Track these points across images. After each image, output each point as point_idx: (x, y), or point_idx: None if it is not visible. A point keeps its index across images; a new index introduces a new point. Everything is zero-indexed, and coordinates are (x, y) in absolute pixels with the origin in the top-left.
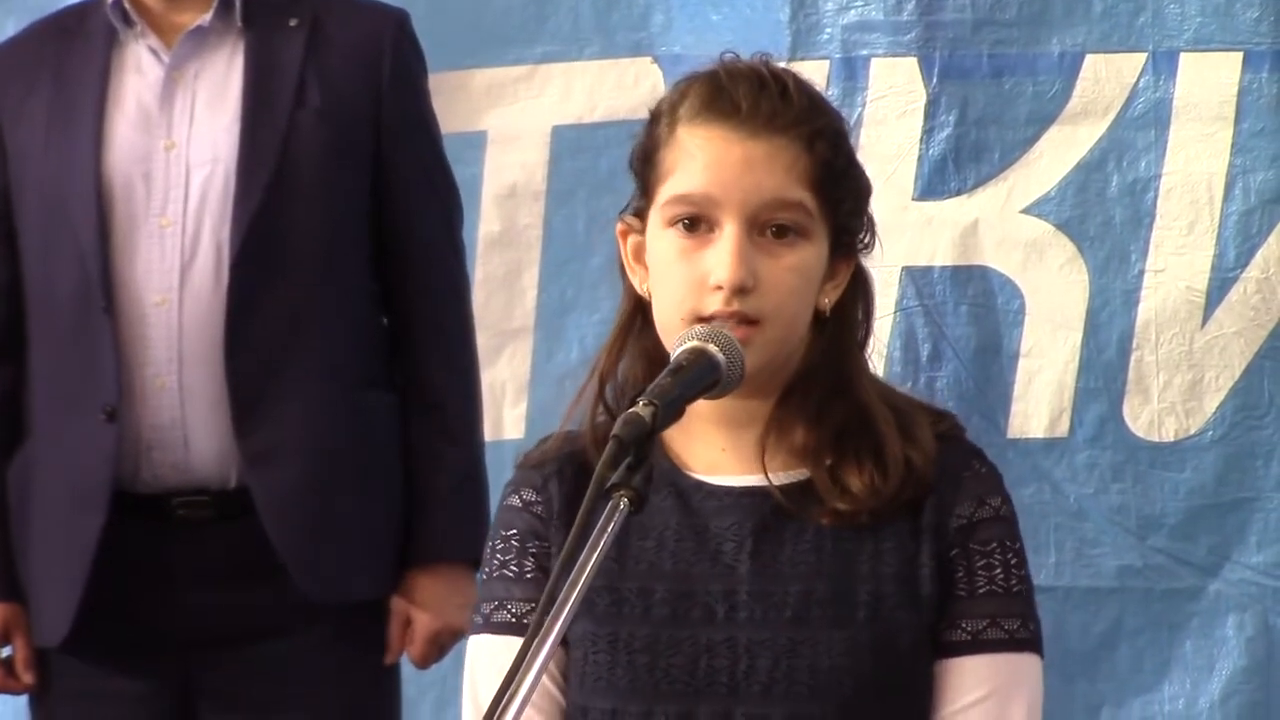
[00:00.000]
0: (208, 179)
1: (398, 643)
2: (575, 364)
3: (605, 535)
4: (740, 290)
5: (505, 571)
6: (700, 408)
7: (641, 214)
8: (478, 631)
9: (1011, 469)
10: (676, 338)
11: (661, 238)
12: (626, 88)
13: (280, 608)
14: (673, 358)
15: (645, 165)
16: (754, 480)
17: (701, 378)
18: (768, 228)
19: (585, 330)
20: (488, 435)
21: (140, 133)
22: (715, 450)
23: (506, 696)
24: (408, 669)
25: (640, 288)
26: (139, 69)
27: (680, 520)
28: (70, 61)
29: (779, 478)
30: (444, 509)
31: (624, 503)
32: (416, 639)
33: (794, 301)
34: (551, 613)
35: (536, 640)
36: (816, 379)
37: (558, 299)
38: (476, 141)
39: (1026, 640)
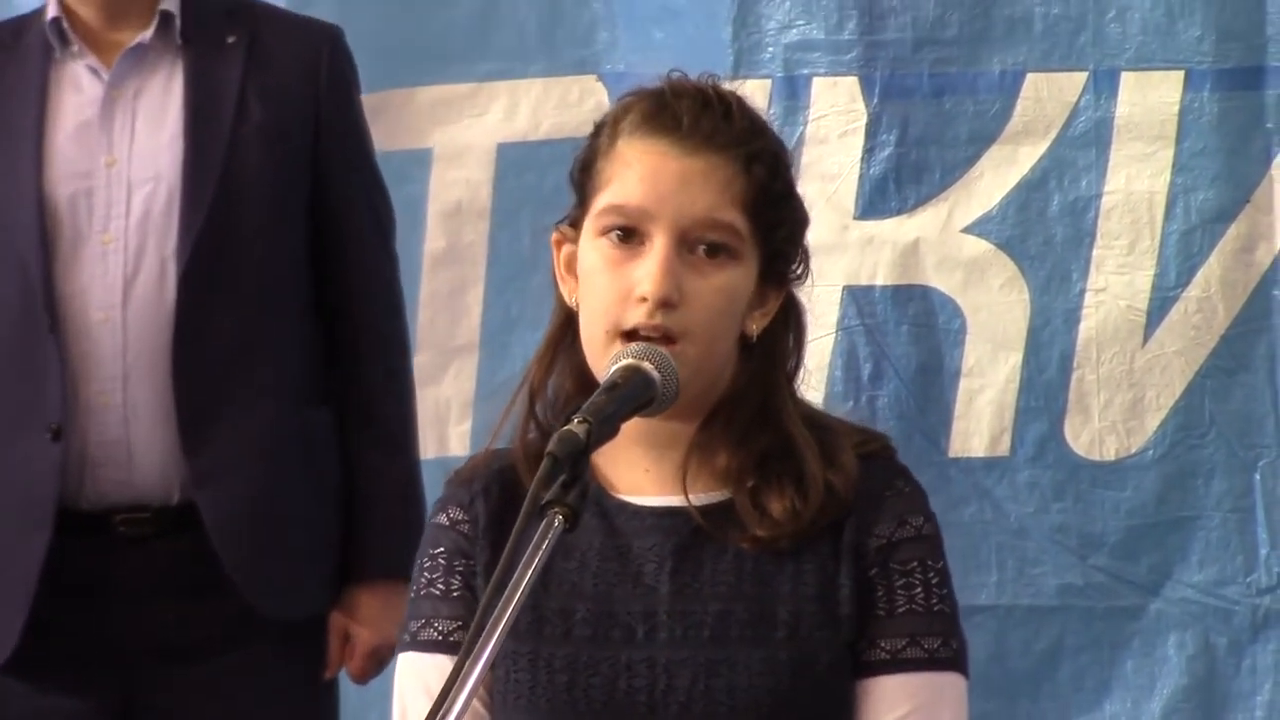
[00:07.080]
0: (150, 196)
1: (337, 658)
2: (520, 381)
3: (540, 552)
4: (665, 304)
5: (432, 589)
6: (626, 428)
7: (576, 224)
8: (404, 649)
9: (952, 488)
10: (610, 355)
11: (593, 248)
12: (571, 105)
13: (221, 623)
14: (607, 375)
15: (584, 175)
16: (676, 501)
17: (636, 395)
18: (698, 245)
19: (530, 347)
20: (433, 452)
21: (81, 149)
22: (639, 471)
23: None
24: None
25: (569, 299)
26: (78, 87)
27: (604, 541)
28: (6, 79)
29: (700, 499)
30: (383, 525)
31: (559, 519)
32: (356, 654)
33: (717, 321)
34: (485, 631)
35: (469, 660)
36: (741, 405)
37: (502, 316)
38: (422, 159)
39: (948, 659)
